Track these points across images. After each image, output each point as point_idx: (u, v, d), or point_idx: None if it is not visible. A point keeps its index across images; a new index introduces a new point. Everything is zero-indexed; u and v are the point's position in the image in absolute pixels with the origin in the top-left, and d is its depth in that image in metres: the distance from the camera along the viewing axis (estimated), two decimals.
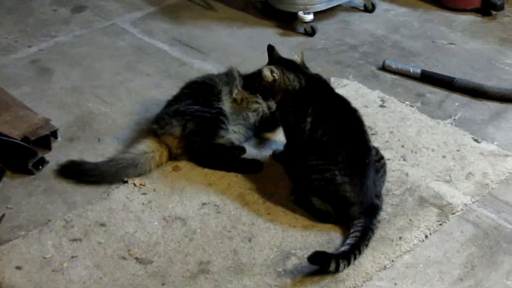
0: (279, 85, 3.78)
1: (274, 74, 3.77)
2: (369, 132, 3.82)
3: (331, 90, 3.86)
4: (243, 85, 4.24)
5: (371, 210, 3.52)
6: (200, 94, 4.14)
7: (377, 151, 3.72)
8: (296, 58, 3.90)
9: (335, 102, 3.77)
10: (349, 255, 3.32)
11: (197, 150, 4.02)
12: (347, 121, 3.68)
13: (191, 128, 4.00)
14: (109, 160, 4.01)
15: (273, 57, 3.95)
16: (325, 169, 3.52)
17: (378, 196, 3.61)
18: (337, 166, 3.50)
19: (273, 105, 4.15)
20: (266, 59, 3.94)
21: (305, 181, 3.63)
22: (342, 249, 3.36)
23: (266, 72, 3.78)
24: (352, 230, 3.45)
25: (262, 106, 4.20)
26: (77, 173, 3.95)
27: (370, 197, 3.52)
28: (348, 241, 3.40)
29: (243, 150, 4.06)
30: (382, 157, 3.73)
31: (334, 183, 3.50)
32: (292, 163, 3.81)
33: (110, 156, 4.07)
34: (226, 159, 3.98)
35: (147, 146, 4.01)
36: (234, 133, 4.11)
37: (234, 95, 4.20)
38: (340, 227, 3.56)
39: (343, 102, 3.79)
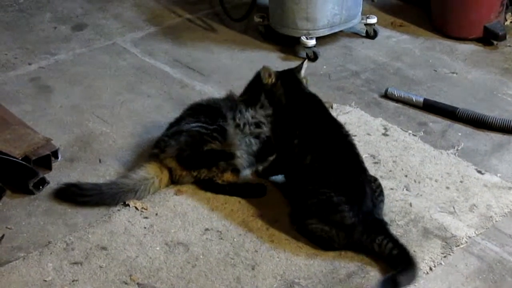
0: (273, 92, 3.86)
1: (270, 79, 3.83)
2: (372, 160, 3.80)
3: (323, 112, 3.87)
4: (245, 99, 4.23)
5: (378, 226, 3.48)
6: (203, 114, 4.12)
7: (369, 174, 3.71)
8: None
9: (324, 127, 3.77)
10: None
11: (186, 158, 3.97)
12: (337, 146, 3.69)
13: (183, 140, 3.98)
14: (110, 183, 3.98)
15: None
16: (320, 192, 3.51)
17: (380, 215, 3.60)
18: (332, 187, 3.49)
19: None
20: None
21: (302, 205, 3.62)
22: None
23: (263, 72, 3.87)
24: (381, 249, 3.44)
25: (264, 131, 4.17)
26: (74, 194, 3.90)
27: (371, 214, 3.48)
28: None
29: (231, 156, 4.03)
30: (376, 179, 3.71)
31: (331, 204, 3.47)
32: (288, 188, 3.84)
33: (111, 179, 4.04)
34: (214, 161, 3.96)
35: (147, 172, 3.96)
36: (237, 158, 4.07)
37: (237, 120, 4.17)
38: (344, 256, 3.52)
39: (335, 127, 3.80)
